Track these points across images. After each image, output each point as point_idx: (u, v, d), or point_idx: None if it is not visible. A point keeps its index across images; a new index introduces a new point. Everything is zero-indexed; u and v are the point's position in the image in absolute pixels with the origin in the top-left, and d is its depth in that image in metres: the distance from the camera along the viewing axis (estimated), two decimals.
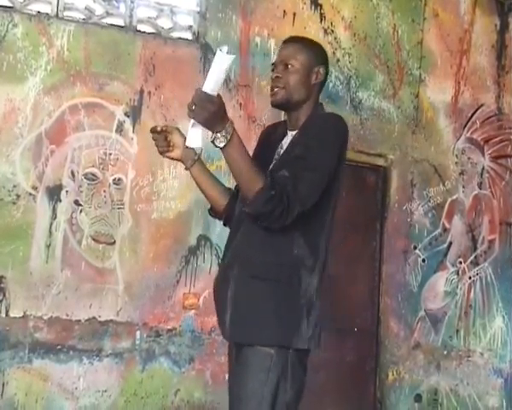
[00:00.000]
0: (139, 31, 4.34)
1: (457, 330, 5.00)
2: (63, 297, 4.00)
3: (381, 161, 4.90)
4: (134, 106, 4.22)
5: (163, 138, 2.14)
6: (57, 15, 4.13)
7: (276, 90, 2.10)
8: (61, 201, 4.05)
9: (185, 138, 1.88)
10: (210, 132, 1.81)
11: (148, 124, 3.81)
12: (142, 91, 4.24)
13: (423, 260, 4.94)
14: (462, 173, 5.12)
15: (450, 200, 5.05)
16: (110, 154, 4.17)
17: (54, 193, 4.03)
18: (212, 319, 4.14)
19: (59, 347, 3.98)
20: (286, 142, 2.12)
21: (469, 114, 5.17)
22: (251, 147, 2.21)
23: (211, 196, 2.24)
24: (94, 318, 4.07)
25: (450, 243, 5.03)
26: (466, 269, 5.07)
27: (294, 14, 4.65)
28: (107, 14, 4.30)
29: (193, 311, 4.27)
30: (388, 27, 4.95)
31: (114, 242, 4.15)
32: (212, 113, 1.76)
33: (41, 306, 3.96)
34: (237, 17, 4.50)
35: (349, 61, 4.81)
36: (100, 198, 4.14)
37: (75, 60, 4.12)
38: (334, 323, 4.26)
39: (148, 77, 4.26)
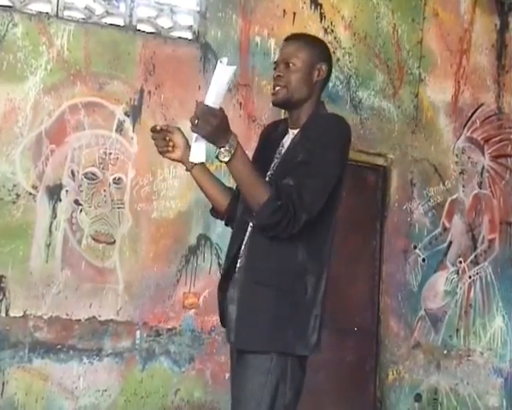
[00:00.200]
0: (139, 30, 4.33)
1: (457, 330, 5.00)
2: (63, 297, 4.00)
3: (381, 161, 4.90)
4: (134, 105, 4.22)
5: (162, 138, 2.11)
6: (57, 15, 4.13)
7: (277, 89, 2.08)
8: (61, 200, 4.05)
9: (186, 139, 1.88)
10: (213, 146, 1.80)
11: (148, 123, 3.80)
12: (142, 91, 4.24)
13: (423, 260, 4.94)
14: (462, 173, 5.11)
15: (450, 199, 5.05)
16: (110, 153, 4.17)
17: (54, 192, 4.03)
18: (212, 319, 4.15)
19: (59, 346, 3.98)
20: (287, 140, 2.10)
21: (469, 114, 5.17)
22: (251, 147, 2.21)
23: (212, 196, 2.22)
24: (94, 317, 4.07)
25: (451, 243, 5.03)
26: (466, 268, 5.06)
27: (294, 14, 4.64)
28: (107, 13, 4.30)
29: (193, 310, 4.26)
30: (388, 27, 4.95)
31: (114, 241, 4.15)
32: (214, 126, 1.75)
33: (41, 305, 3.96)
34: (237, 16, 4.50)
35: (349, 61, 4.81)
36: (100, 198, 4.13)
37: (75, 59, 4.11)
38: (334, 323, 4.24)
39: (148, 76, 4.26)
